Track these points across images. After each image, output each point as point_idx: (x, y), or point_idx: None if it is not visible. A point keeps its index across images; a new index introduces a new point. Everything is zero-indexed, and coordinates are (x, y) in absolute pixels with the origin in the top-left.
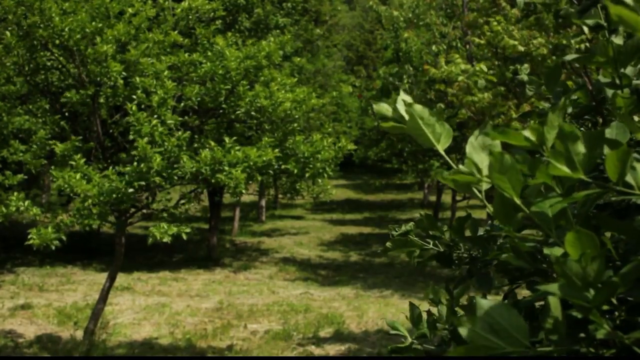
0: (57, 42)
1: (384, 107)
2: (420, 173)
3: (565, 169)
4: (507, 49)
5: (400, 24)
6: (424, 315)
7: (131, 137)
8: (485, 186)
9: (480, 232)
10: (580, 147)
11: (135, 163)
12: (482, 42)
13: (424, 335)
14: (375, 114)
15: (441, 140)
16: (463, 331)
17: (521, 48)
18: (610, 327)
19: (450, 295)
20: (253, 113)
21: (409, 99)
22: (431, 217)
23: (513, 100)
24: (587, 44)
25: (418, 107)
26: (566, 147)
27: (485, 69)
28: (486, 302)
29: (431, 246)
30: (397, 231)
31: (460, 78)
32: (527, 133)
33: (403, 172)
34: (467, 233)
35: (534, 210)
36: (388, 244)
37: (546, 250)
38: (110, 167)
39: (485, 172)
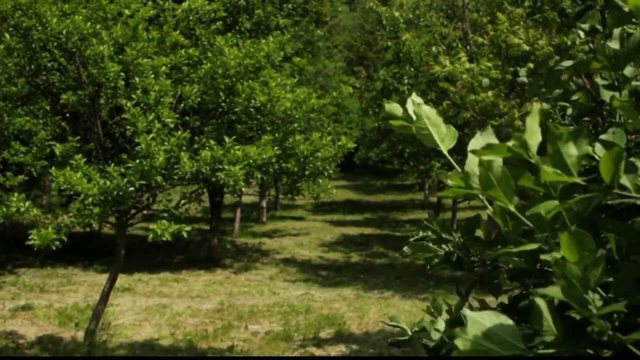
0: (56, 43)
1: (394, 107)
2: (421, 174)
3: (556, 173)
4: (512, 47)
5: (401, 25)
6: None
7: (128, 133)
8: None
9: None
10: (572, 149)
11: (138, 160)
12: (485, 41)
13: (424, 329)
14: (377, 114)
15: (445, 140)
16: (459, 342)
17: (526, 47)
18: (609, 328)
19: (461, 297)
20: (252, 110)
21: (419, 99)
22: (438, 220)
23: (516, 100)
24: (591, 45)
25: (426, 108)
26: (556, 150)
27: (490, 65)
28: (473, 313)
29: (444, 250)
30: (414, 236)
31: (464, 76)
32: (510, 144)
33: (404, 173)
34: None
35: (529, 216)
36: (406, 248)
37: (543, 256)
38: (112, 165)
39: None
